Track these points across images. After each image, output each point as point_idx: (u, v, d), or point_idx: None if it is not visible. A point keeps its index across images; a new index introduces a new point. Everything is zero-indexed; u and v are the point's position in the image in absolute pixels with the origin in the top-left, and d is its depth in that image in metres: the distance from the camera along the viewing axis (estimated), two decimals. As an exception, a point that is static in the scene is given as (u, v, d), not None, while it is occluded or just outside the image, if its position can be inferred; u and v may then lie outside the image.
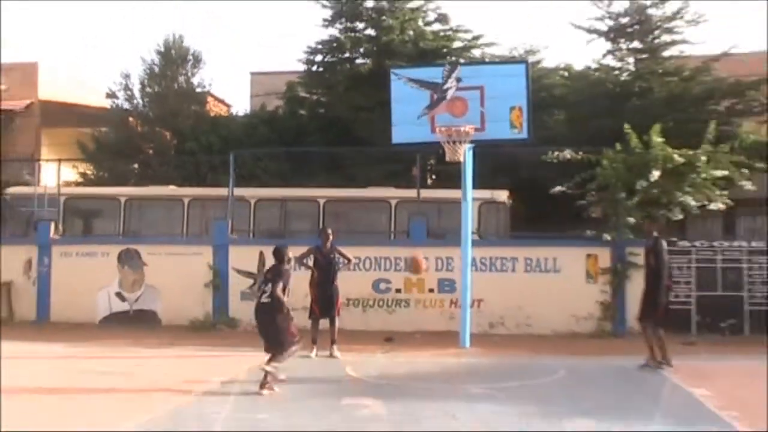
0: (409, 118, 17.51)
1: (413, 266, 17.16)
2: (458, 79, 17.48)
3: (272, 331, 12.09)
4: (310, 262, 16.03)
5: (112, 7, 71.63)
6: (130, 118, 29.38)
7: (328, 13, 28.42)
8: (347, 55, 28.52)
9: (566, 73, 28.42)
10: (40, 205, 22.48)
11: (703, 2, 35.32)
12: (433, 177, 26.39)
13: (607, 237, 19.11)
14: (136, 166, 28.56)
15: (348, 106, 26.77)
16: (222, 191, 21.92)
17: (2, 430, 8.92)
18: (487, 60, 27.41)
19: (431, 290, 19.67)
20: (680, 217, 19.54)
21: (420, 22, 28.57)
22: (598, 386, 12.94)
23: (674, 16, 26.21)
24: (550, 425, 9.87)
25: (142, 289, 20.74)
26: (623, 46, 27.06)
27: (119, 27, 71.90)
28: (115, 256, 20.87)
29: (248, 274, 20.09)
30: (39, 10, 63.66)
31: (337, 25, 28.52)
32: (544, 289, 19.23)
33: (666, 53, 26.76)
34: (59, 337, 17.91)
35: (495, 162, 21.12)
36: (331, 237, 15.86)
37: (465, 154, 17.17)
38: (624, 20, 26.63)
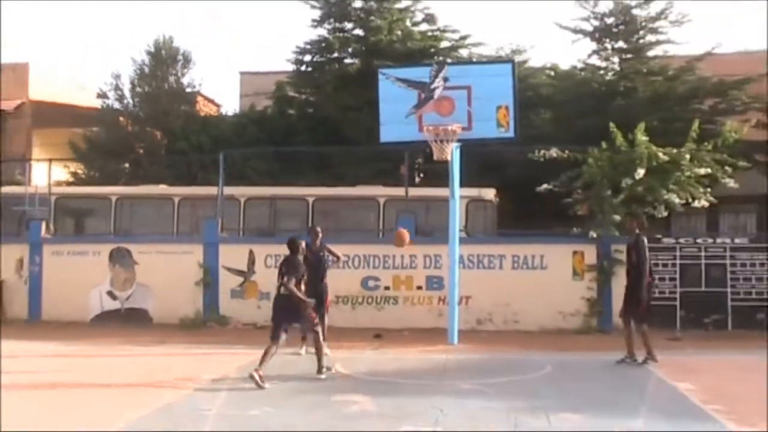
0: (396, 117, 17.61)
1: (396, 239, 17.11)
2: (445, 79, 17.59)
3: (296, 316, 12.86)
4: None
5: (103, 7, 71.47)
6: (121, 118, 29.39)
7: (316, 14, 28.57)
8: (336, 55, 28.65)
9: (552, 73, 28.58)
10: (32, 204, 22.52)
11: (686, 3, 35.53)
12: (421, 175, 26.53)
13: (593, 234, 19.28)
14: (126, 165, 28.60)
15: (336, 105, 26.89)
16: (212, 190, 21.99)
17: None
18: (474, 60, 27.56)
19: (419, 287, 19.84)
20: (665, 214, 19.78)
21: (408, 23, 28.72)
22: (585, 381, 13.07)
23: (658, 16, 26.41)
24: (538, 420, 9.95)
25: (133, 287, 20.84)
26: (608, 46, 27.24)
27: (110, 27, 71.80)
28: (106, 254, 20.97)
29: (238, 272, 20.26)
30: (29, 10, 63.47)
31: (326, 26, 28.64)
32: (531, 285, 19.41)
33: (650, 53, 26.99)
34: (51, 335, 18.00)
35: (482, 160, 21.27)
36: (320, 235, 15.98)
37: (452, 153, 17.30)
38: (609, 20, 26.80)
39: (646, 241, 14.49)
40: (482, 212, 22.64)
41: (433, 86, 17.56)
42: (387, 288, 19.92)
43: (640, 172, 19.20)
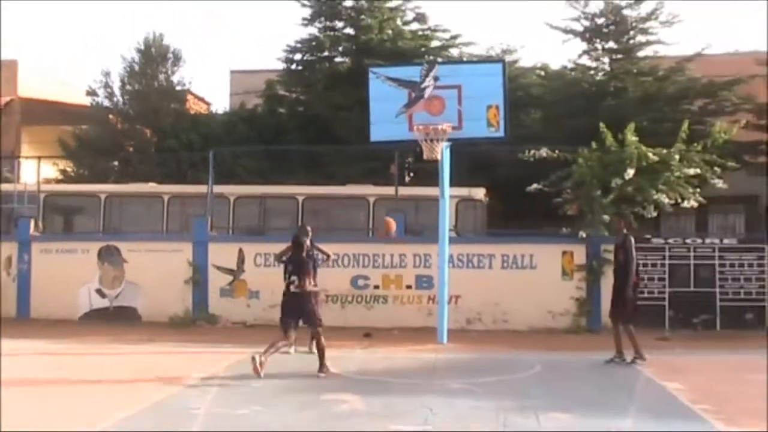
0: (387, 116, 17.59)
1: (385, 227, 17.03)
2: (436, 78, 17.59)
3: (305, 315, 13.19)
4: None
5: (93, 4, 71.29)
6: (111, 116, 29.35)
7: (307, 12, 28.60)
8: (326, 53, 28.71)
9: (543, 73, 28.68)
10: (20, 202, 22.45)
11: (677, 3, 35.69)
12: (411, 175, 26.55)
13: (583, 234, 19.29)
14: (116, 163, 28.57)
15: (327, 104, 26.90)
16: (202, 188, 21.96)
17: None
18: (464, 59, 27.66)
19: (409, 287, 19.83)
20: (654, 214, 19.82)
21: (398, 22, 28.77)
22: (574, 381, 13.09)
23: (649, 17, 26.54)
24: (527, 419, 9.95)
25: (122, 285, 20.75)
26: (599, 46, 27.35)
27: (100, 25, 71.66)
28: (95, 252, 20.87)
29: (228, 271, 20.23)
30: (19, 6, 63.30)
31: (317, 24, 28.69)
32: (521, 285, 19.42)
33: (641, 53, 27.12)
34: (39, 333, 17.93)
35: (472, 160, 21.31)
36: (310, 234, 15.94)
37: (442, 152, 17.30)
38: (599, 21, 26.91)
39: (633, 241, 14.52)
40: (472, 212, 22.68)
41: (423, 85, 17.56)
42: (377, 287, 19.89)
43: (630, 172, 19.23)
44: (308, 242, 13.69)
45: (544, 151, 20.22)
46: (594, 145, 19.87)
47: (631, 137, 19.50)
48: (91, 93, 29.66)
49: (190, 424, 9.72)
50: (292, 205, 22.91)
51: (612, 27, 26.91)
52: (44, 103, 30.67)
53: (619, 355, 14.32)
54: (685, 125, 19.97)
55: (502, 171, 23.85)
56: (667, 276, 19.31)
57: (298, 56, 28.80)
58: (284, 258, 15.71)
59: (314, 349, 14.84)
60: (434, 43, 28.68)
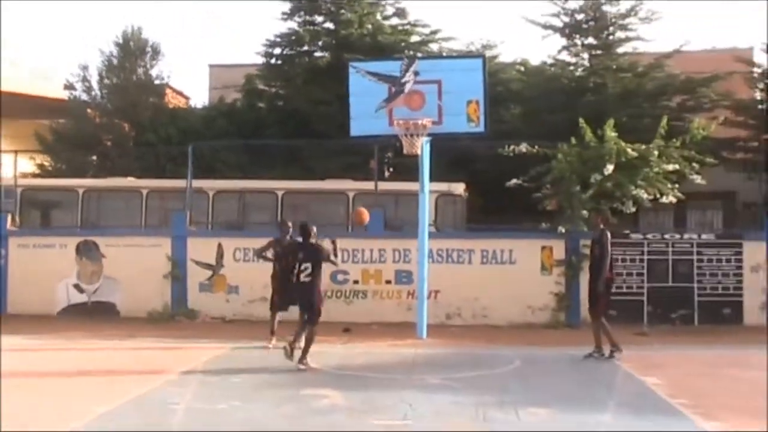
0: (367, 111, 17.60)
1: (357, 218, 16.99)
2: (416, 73, 17.63)
3: (309, 303, 13.51)
4: (269, 254, 16.10)
5: (69, -4, 70.74)
6: (89, 110, 29.16)
7: (287, 7, 28.52)
8: (306, 48, 28.66)
9: (522, 68, 28.77)
10: (-3, 196, 22.32)
11: (656, 0, 35.80)
12: (391, 170, 26.55)
13: (562, 229, 19.32)
14: (94, 157, 28.39)
15: (306, 98, 26.84)
16: (181, 183, 21.89)
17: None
18: (444, 54, 27.67)
19: (388, 282, 19.84)
20: (633, 210, 19.91)
21: (378, 16, 28.77)
22: (553, 375, 13.16)
23: (628, 13, 26.68)
24: (506, 414, 9.98)
25: (101, 280, 20.62)
26: (578, 42, 27.44)
27: (78, 18, 71.20)
28: (73, 247, 20.74)
29: (207, 266, 20.16)
30: (-7, -2, 62.57)
31: (296, 19, 28.64)
32: (500, 280, 19.45)
33: (620, 50, 27.25)
34: (17, 329, 17.71)
35: (452, 155, 21.36)
36: (291, 229, 15.96)
37: (422, 147, 17.32)
38: (579, 17, 27.02)
39: (610, 236, 14.58)
40: (452, 207, 22.67)
41: (403, 80, 17.59)
42: (356, 282, 19.88)
43: (609, 168, 19.29)
44: (315, 233, 13.70)
45: (523, 147, 20.23)
46: (573, 140, 19.91)
47: (611, 133, 19.56)
48: (69, 87, 29.45)
49: (170, 419, 9.71)
50: (272, 199, 22.86)
51: (591, 23, 27.01)
52: (21, 97, 30.39)
53: (598, 350, 14.39)
54: (664, 121, 20.05)
55: (482, 166, 23.89)
56: (645, 271, 19.40)
57: (277, 51, 28.73)
58: (278, 249, 15.73)
59: (271, 345, 14.91)
60: (414, 38, 28.67)
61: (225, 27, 75.04)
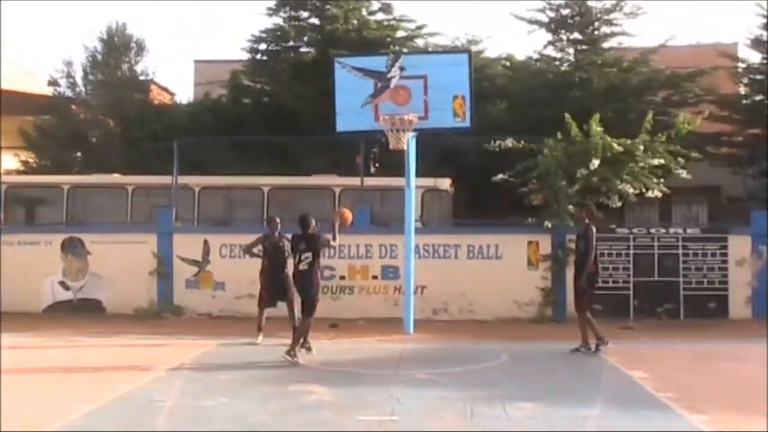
0: (353, 106, 17.59)
1: (341, 218, 16.99)
2: (402, 68, 17.61)
3: (306, 292, 13.78)
4: (257, 250, 16.08)
5: (53, -8, 70.41)
6: (73, 106, 29.05)
7: (272, 2, 28.46)
8: (291, 43, 28.62)
9: (508, 64, 28.80)
10: (-19, 194, 22.20)
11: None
12: (377, 165, 26.43)
13: (548, 224, 19.36)
14: (79, 154, 28.28)
15: (292, 94, 26.77)
16: (166, 179, 21.81)
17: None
18: (430, 50, 27.68)
19: (375, 277, 19.83)
20: (619, 204, 19.96)
21: (364, 12, 28.70)
22: (540, 370, 13.16)
23: (613, 8, 26.80)
24: (493, 409, 9.97)
25: (86, 277, 20.54)
26: (564, 37, 27.51)
27: (61, 13, 70.85)
28: (58, 244, 20.65)
29: (193, 262, 20.11)
30: (-24, -6, 62.23)
31: (281, 14, 28.55)
32: (487, 275, 19.45)
33: (605, 45, 27.34)
34: (2, 326, 17.67)
35: (438, 150, 21.33)
36: (279, 225, 15.95)
37: (408, 143, 17.33)
38: (564, 12, 27.07)
39: (595, 231, 14.60)
40: (438, 202, 22.69)
41: (389, 75, 17.58)
42: (342, 277, 19.86)
43: (595, 163, 19.32)
44: (314, 225, 13.84)
45: (509, 142, 20.25)
46: (559, 135, 19.94)
47: (596, 128, 19.59)
48: (53, 83, 29.35)
49: (157, 416, 9.67)
50: (258, 195, 22.81)
51: (577, 18, 27.07)
52: (5, 93, 30.21)
53: (584, 344, 14.43)
54: (649, 116, 20.11)
55: (468, 161, 23.88)
56: (631, 265, 19.43)
57: (262, 46, 28.69)
58: (267, 245, 15.72)
59: (258, 341, 14.92)
60: (400, 34, 28.64)
61: (210, 23, 74.82)
